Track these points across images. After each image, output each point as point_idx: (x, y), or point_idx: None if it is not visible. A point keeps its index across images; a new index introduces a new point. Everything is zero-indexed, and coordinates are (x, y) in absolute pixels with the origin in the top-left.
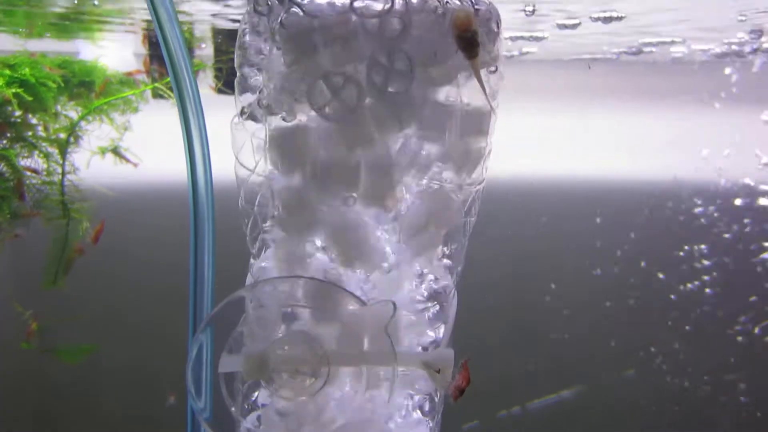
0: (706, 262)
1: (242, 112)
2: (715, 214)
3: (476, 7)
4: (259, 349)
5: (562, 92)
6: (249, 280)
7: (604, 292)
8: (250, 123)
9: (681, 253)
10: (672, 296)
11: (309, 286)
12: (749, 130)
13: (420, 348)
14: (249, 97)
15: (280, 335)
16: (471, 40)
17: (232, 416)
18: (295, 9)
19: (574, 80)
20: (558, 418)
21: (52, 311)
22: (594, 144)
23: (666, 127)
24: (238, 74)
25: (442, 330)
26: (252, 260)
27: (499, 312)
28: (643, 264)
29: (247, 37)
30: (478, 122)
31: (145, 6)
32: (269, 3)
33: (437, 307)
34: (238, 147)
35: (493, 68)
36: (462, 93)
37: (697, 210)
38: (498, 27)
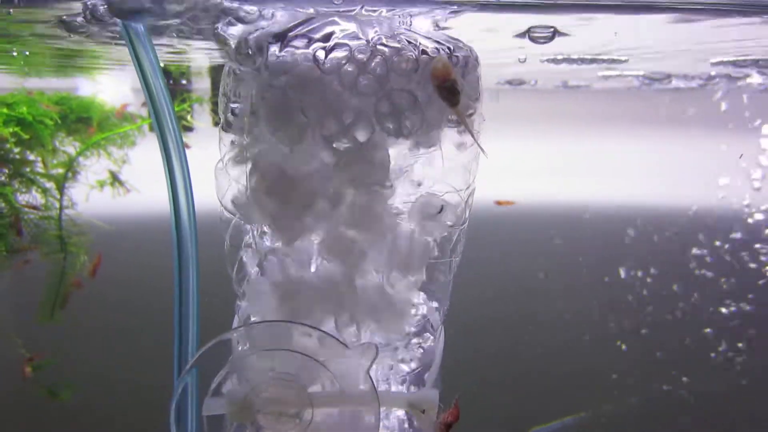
0: (706, 273)
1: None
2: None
3: (455, 54)
4: (243, 391)
5: (550, 119)
6: (235, 321)
7: (605, 317)
8: (233, 169)
9: (688, 275)
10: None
11: (293, 330)
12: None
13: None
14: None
15: (265, 377)
16: (451, 89)
17: None
18: (273, 58)
19: (562, 107)
20: None
21: (48, 344)
22: (590, 169)
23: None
24: (222, 118)
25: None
26: (238, 301)
27: (496, 334)
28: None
29: (230, 84)
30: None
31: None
32: (250, 52)
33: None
34: (222, 192)
35: (472, 111)
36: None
37: (701, 234)
38: (477, 71)
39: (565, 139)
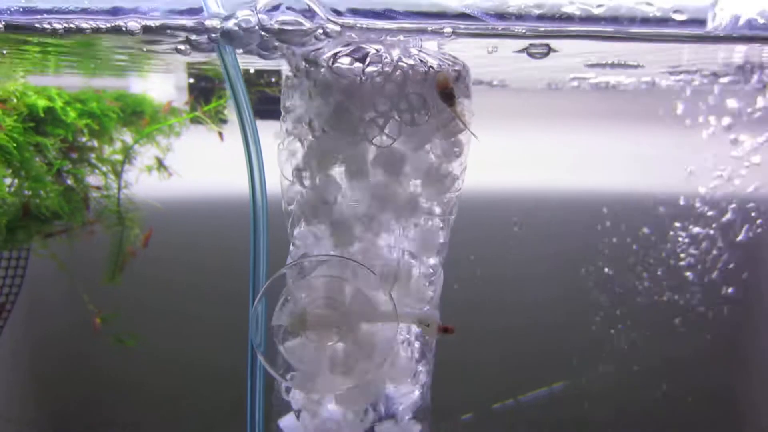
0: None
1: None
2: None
3: (455, 68)
4: (299, 309)
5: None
6: (288, 260)
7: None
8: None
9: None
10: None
11: (333, 262)
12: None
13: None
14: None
15: (313, 299)
16: (449, 94)
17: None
18: (324, 71)
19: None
20: (549, 409)
21: (109, 304)
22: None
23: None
24: (282, 114)
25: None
26: (291, 247)
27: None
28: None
29: (291, 90)
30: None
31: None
32: (305, 66)
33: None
34: (282, 164)
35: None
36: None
37: (678, 223)
38: (468, 80)
39: (554, 135)
